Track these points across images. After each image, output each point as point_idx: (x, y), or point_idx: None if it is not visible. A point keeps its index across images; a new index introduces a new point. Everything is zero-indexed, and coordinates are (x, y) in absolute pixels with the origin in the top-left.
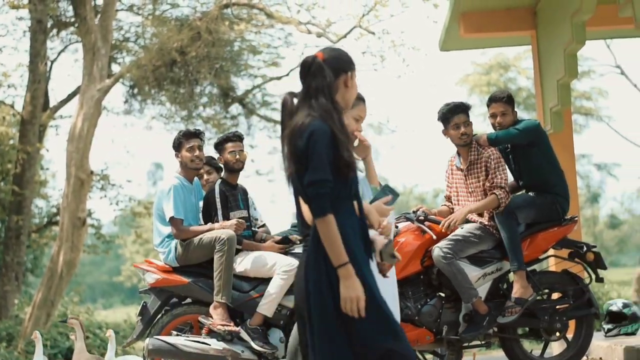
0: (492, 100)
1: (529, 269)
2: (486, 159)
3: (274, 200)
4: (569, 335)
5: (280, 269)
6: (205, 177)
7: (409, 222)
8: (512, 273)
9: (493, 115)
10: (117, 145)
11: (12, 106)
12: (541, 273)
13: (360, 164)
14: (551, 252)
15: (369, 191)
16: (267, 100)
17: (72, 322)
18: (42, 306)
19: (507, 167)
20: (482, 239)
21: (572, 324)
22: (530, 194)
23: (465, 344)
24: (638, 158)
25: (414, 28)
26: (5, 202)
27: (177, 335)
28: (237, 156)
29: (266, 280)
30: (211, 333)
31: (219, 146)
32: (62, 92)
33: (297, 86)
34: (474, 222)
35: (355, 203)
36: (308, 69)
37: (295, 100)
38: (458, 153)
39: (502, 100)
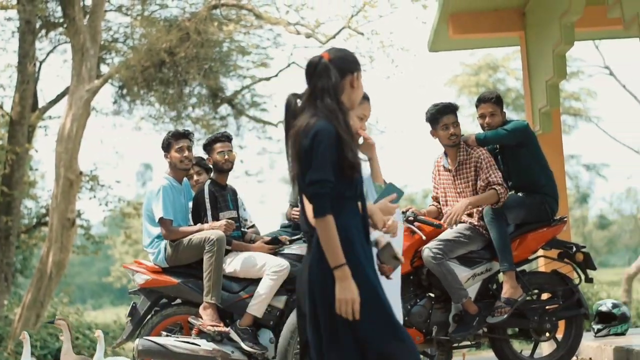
0: (480, 101)
1: (518, 269)
2: (476, 159)
3: (263, 201)
4: (559, 336)
5: (269, 269)
6: (195, 177)
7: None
8: (501, 273)
9: (482, 116)
10: (106, 146)
11: (0, 107)
12: (531, 273)
13: (365, 164)
14: (540, 252)
15: (373, 192)
16: (256, 100)
17: (60, 323)
18: (31, 307)
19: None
20: (471, 239)
21: (561, 324)
22: (519, 194)
23: (455, 345)
24: (627, 158)
25: (402, 29)
26: None
27: (167, 336)
28: (226, 156)
29: (256, 281)
30: (201, 334)
31: (208, 147)
32: (51, 93)
33: (285, 86)
34: (463, 222)
35: (359, 203)
36: (314, 69)
37: (299, 101)
38: (445, 153)
39: (491, 101)
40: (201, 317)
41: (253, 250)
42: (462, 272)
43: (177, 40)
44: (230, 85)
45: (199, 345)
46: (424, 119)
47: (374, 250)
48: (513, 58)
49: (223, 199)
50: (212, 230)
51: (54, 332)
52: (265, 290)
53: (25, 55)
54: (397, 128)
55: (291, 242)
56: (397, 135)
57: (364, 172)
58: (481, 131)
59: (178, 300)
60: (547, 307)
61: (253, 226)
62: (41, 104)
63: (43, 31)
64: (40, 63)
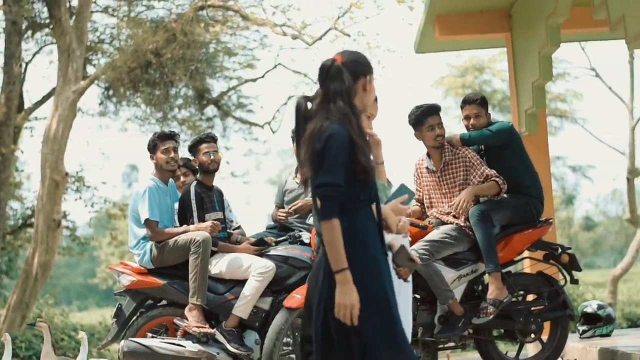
0: (465, 102)
1: (504, 270)
2: (463, 158)
3: (249, 202)
4: (544, 337)
5: (255, 271)
6: (182, 179)
7: None
8: (487, 275)
9: (467, 117)
10: (92, 147)
11: None
12: (516, 275)
13: None
14: (526, 253)
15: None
16: (243, 102)
17: (41, 325)
18: (16, 308)
19: None
20: (458, 240)
21: (547, 325)
22: (505, 195)
23: (441, 346)
24: (613, 160)
25: (389, 30)
26: None
27: (153, 337)
28: (212, 157)
29: (241, 282)
30: (186, 335)
31: (193, 148)
32: (37, 94)
33: (272, 88)
34: (450, 223)
35: (373, 207)
36: (327, 72)
37: (309, 104)
38: (428, 155)
39: (476, 102)
40: (187, 319)
41: (239, 252)
42: (448, 274)
43: (163, 41)
44: (217, 86)
45: (185, 347)
46: (407, 122)
47: (389, 254)
48: (499, 59)
49: (209, 200)
50: (197, 232)
51: (39, 333)
52: (250, 291)
53: (11, 56)
54: (383, 129)
55: (277, 243)
56: (384, 136)
57: None
58: (466, 132)
59: (163, 302)
60: (532, 309)
61: (239, 227)
62: (27, 105)
63: (29, 32)
64: (26, 64)
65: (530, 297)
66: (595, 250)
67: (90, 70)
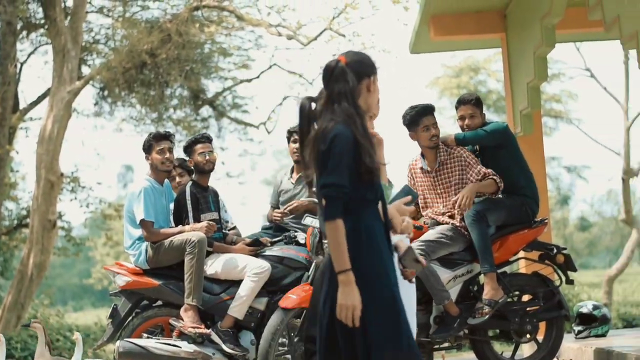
0: (460, 103)
1: (499, 271)
2: (459, 157)
3: (244, 203)
4: (540, 337)
5: (250, 271)
6: (178, 179)
7: None
8: (482, 275)
9: (461, 118)
10: (87, 148)
11: None
12: (511, 275)
13: None
14: (521, 254)
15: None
16: (238, 102)
17: (35, 325)
18: (12, 309)
19: None
20: (454, 240)
21: (542, 325)
22: (500, 196)
23: (436, 346)
24: (608, 160)
25: (384, 30)
26: None
27: (148, 337)
28: (207, 157)
29: (237, 283)
30: (182, 335)
31: (188, 148)
32: (32, 94)
33: (267, 88)
34: (445, 223)
35: (379, 207)
36: (331, 73)
37: (314, 105)
38: (422, 155)
39: (471, 103)
40: (182, 319)
41: (234, 252)
42: (444, 274)
43: (158, 41)
44: (212, 86)
45: (180, 347)
46: (401, 123)
47: (395, 255)
48: (494, 60)
49: (204, 200)
50: (193, 232)
51: (34, 334)
52: (246, 292)
53: (6, 57)
54: (378, 129)
55: (272, 243)
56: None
57: None
58: (460, 132)
59: (159, 302)
60: (527, 309)
61: (234, 228)
62: (22, 105)
63: (24, 32)
64: (21, 64)
65: (525, 298)
66: (591, 250)
67: (85, 70)
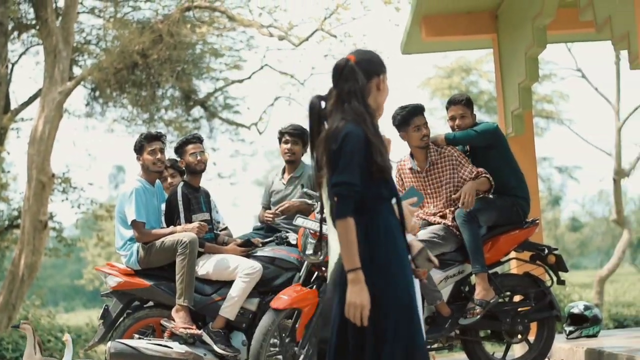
0: (451, 103)
1: (490, 271)
2: (449, 157)
3: (236, 203)
4: (531, 338)
5: (242, 272)
6: (169, 180)
7: None
8: (473, 275)
9: (452, 118)
10: (79, 148)
11: None
12: (503, 276)
13: None
14: (513, 254)
15: None
16: (229, 103)
17: (24, 327)
18: (3, 310)
19: None
20: (446, 239)
21: (533, 326)
22: (490, 196)
23: (428, 347)
24: (599, 161)
25: (375, 31)
26: None
27: (139, 338)
28: (199, 157)
29: (228, 283)
30: (173, 336)
31: (180, 149)
32: (23, 95)
33: (258, 89)
34: (437, 223)
35: (395, 207)
36: (340, 72)
37: (323, 104)
38: (411, 155)
39: (461, 103)
40: (173, 320)
41: (226, 253)
42: (435, 274)
43: (149, 42)
44: (203, 87)
45: (172, 348)
46: (391, 123)
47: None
48: (486, 60)
49: (196, 201)
50: (184, 233)
51: (25, 334)
52: (237, 292)
53: None
54: (382, 129)
55: (264, 244)
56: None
57: None
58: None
59: (150, 303)
60: (519, 309)
61: (226, 228)
62: (13, 106)
63: (15, 33)
64: (13, 65)
65: (517, 298)
66: (582, 251)
67: (77, 71)
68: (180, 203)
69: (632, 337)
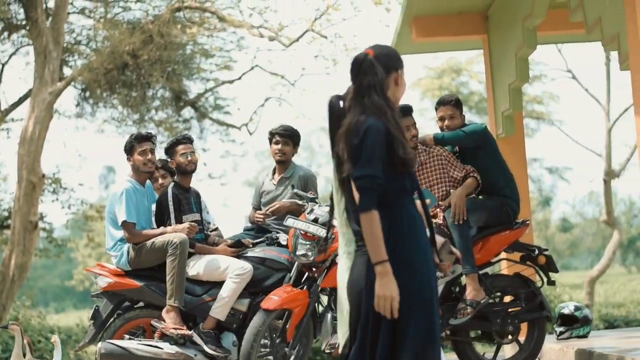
0: (440, 104)
1: (481, 272)
2: (438, 156)
3: (226, 204)
4: (521, 338)
5: (232, 272)
6: (160, 181)
7: None
8: (464, 276)
9: (441, 119)
10: (69, 149)
11: None
12: (493, 276)
13: None
14: (503, 255)
15: None
16: (220, 103)
17: (13, 328)
18: None
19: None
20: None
21: (524, 326)
22: (480, 197)
23: None
24: (589, 162)
25: (366, 32)
26: None
27: (130, 339)
28: (189, 158)
29: (219, 284)
30: (164, 337)
31: (170, 150)
32: (13, 95)
33: (249, 89)
34: None
35: (418, 201)
36: (359, 66)
37: (341, 103)
38: None
39: (450, 104)
40: (164, 320)
41: (216, 253)
42: None
43: (140, 42)
44: (194, 87)
45: (162, 349)
46: None
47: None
48: (476, 61)
49: (186, 201)
50: (175, 233)
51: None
52: (228, 293)
53: None
54: None
55: (254, 245)
56: None
57: None
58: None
59: (141, 304)
60: (509, 310)
61: (216, 229)
62: (3, 106)
63: (5, 33)
64: (3, 65)
65: (507, 299)
66: (572, 251)
67: (67, 71)
68: (170, 203)
69: (623, 338)
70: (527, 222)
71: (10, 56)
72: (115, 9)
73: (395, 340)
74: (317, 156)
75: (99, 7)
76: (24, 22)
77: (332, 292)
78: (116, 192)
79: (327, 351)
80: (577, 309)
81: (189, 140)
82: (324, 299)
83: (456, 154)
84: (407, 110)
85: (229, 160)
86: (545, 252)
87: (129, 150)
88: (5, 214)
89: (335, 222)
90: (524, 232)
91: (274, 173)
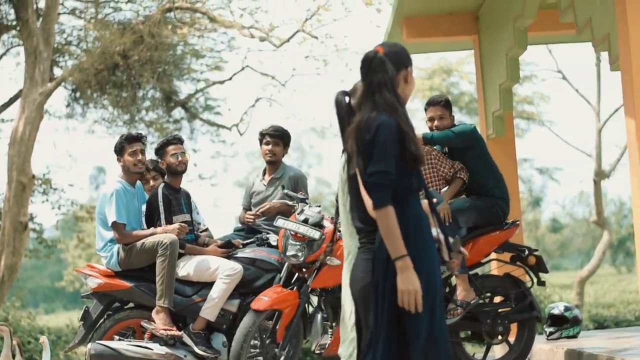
0: (429, 104)
1: (471, 272)
2: (427, 154)
3: (217, 205)
4: (511, 339)
5: (222, 273)
6: (152, 183)
7: None
8: (454, 276)
9: (430, 119)
10: (59, 149)
11: None
12: (483, 277)
13: None
14: (493, 255)
15: None
16: (210, 104)
17: (2, 328)
18: None
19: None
20: None
21: (514, 327)
22: (470, 197)
23: None
24: (579, 162)
25: (357, 32)
26: None
27: (120, 340)
28: (180, 158)
29: (209, 285)
30: (154, 337)
31: (160, 150)
32: (3, 96)
33: (239, 90)
34: None
35: (426, 199)
36: (369, 63)
37: (347, 99)
38: None
39: (440, 104)
40: (154, 321)
41: (206, 254)
42: None
43: (130, 43)
44: (184, 88)
45: (152, 349)
46: None
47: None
48: (467, 62)
49: (177, 202)
50: (165, 234)
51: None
52: (218, 294)
53: None
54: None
55: (244, 245)
56: None
57: None
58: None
59: (131, 304)
60: (499, 310)
61: (206, 230)
62: None
63: None
64: None
65: (497, 299)
66: (562, 252)
67: (58, 72)
68: (160, 204)
69: (612, 338)
70: (517, 222)
71: (1, 57)
72: (106, 10)
73: (402, 338)
74: (307, 157)
75: (90, 7)
76: (14, 23)
77: (322, 293)
78: (106, 192)
79: (317, 352)
80: (567, 309)
81: (179, 141)
82: (314, 299)
83: (446, 154)
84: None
85: (220, 160)
86: (535, 253)
87: (119, 150)
88: None
89: (326, 223)
90: (514, 233)
91: (264, 174)
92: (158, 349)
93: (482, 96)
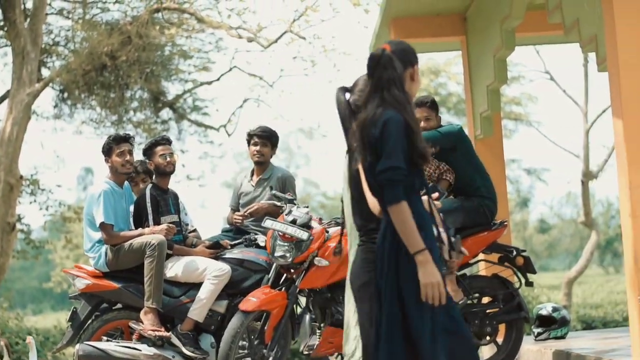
0: (416, 105)
1: (459, 273)
2: None
3: (204, 205)
4: (499, 339)
5: (211, 274)
6: (141, 185)
7: (339, 227)
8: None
9: None
10: (47, 150)
11: None
12: (471, 277)
13: None
14: (481, 256)
15: None
16: (198, 105)
17: None
18: None
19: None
20: None
21: (502, 327)
22: (457, 198)
23: None
24: (567, 163)
25: (345, 33)
26: None
27: (108, 340)
28: (168, 159)
29: (197, 286)
30: (142, 338)
31: (148, 151)
32: None
33: (227, 90)
34: None
35: (426, 197)
36: (377, 61)
37: (347, 95)
38: None
39: (426, 105)
40: (142, 322)
41: (194, 255)
42: None
43: (118, 43)
44: (172, 89)
45: (140, 350)
46: None
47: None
48: (454, 63)
49: (164, 203)
50: (153, 235)
51: None
52: (206, 294)
53: None
54: (339, 132)
55: (232, 246)
56: (340, 139)
57: None
58: None
59: (119, 305)
60: (487, 311)
61: (194, 230)
62: None
63: None
64: None
65: (485, 300)
66: (550, 252)
67: (45, 72)
68: (148, 205)
69: (600, 339)
70: (505, 223)
71: None
72: (94, 10)
73: (406, 336)
74: (295, 157)
75: (77, 8)
76: (1, 23)
77: (311, 294)
78: (94, 193)
79: (305, 352)
80: (555, 310)
81: (167, 142)
82: (303, 300)
83: (434, 154)
84: None
85: (208, 161)
86: (523, 253)
87: (107, 151)
88: None
89: (314, 224)
90: (502, 233)
91: (252, 174)
92: (146, 349)
93: (469, 97)
